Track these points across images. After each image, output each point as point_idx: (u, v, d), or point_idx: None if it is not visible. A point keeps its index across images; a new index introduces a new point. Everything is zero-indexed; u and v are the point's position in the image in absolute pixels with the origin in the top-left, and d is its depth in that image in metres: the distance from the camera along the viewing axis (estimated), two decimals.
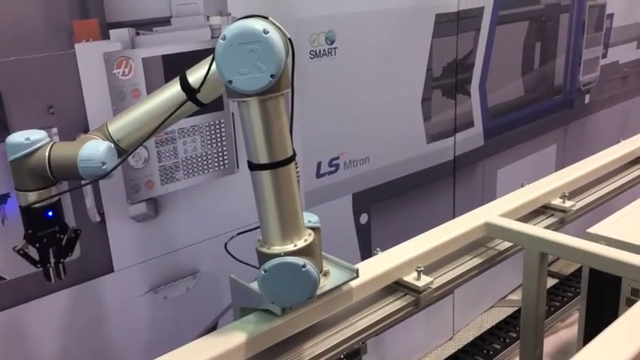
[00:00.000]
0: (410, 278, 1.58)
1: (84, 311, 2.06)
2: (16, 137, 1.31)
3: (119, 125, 1.35)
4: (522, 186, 2.07)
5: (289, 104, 1.31)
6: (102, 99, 1.94)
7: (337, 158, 2.70)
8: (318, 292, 1.34)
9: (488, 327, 3.33)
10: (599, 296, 1.68)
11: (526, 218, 1.96)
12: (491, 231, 1.81)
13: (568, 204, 2.01)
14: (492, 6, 3.23)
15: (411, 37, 2.88)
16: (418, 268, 1.58)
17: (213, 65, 1.23)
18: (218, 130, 2.22)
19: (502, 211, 1.87)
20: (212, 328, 2.30)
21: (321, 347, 1.41)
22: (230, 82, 1.18)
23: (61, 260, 1.45)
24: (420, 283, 1.56)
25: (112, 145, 1.31)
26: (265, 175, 1.26)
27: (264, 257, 1.29)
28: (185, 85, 1.30)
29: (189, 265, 2.29)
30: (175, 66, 2.00)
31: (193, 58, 1.34)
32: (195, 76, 1.30)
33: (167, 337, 2.24)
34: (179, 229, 2.23)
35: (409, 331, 3.21)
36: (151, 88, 2.00)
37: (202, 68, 1.28)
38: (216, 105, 2.19)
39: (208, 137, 2.20)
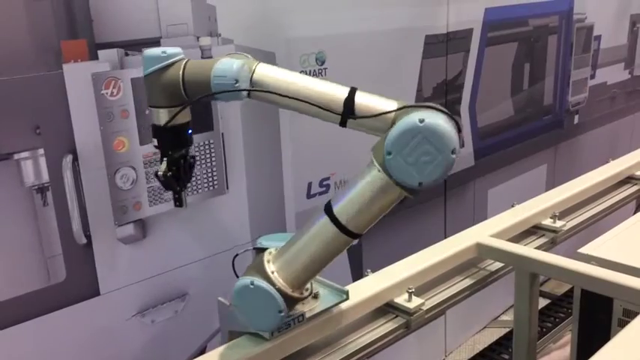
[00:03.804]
0: (401, 300, 1.56)
1: (68, 336, 2.01)
2: (153, 50, 1.28)
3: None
4: (513, 206, 2.07)
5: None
6: (89, 119, 1.92)
7: (328, 179, 2.69)
8: (309, 314, 1.32)
9: (481, 348, 3.30)
10: (591, 317, 1.67)
11: (517, 238, 1.95)
12: (483, 252, 1.80)
13: (559, 224, 2.01)
14: (481, 28, 3.26)
15: (401, 58, 2.89)
16: (409, 289, 1.57)
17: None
18: (208, 151, 2.20)
19: (493, 231, 1.86)
20: (200, 353, 2.26)
21: None
22: (389, 153, 1.18)
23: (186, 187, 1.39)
24: (411, 305, 1.55)
25: (247, 66, 1.26)
26: (329, 227, 1.26)
27: (262, 270, 1.27)
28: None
29: (177, 288, 2.26)
30: None
31: None
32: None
33: None
34: (167, 250, 2.20)
35: (401, 354, 3.17)
36: (140, 108, 1.98)
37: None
38: (206, 125, 2.18)
39: (198, 157, 2.18)
